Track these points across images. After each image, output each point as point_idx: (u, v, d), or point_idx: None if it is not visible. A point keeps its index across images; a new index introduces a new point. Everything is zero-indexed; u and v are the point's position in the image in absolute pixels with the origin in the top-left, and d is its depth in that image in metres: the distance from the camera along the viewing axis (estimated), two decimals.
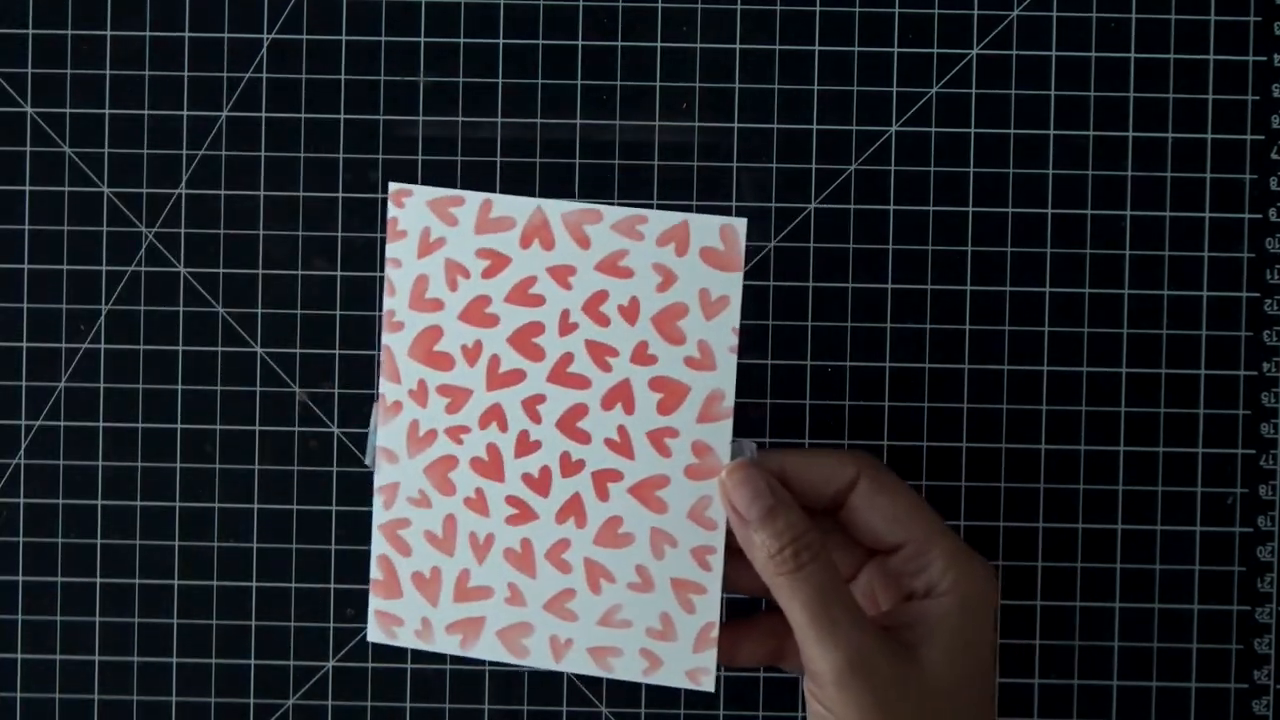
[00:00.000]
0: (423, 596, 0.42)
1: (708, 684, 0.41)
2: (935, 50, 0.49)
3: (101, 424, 0.49)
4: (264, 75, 0.49)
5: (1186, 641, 0.49)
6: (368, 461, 0.42)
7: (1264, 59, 0.49)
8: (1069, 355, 0.49)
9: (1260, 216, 0.49)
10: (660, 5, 0.49)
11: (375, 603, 0.42)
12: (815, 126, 0.49)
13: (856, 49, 0.49)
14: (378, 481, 0.42)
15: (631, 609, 0.41)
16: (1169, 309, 0.49)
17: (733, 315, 0.40)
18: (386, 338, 0.42)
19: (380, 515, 0.42)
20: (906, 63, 0.49)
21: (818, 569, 0.39)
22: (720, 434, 0.41)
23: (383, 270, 0.49)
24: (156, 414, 0.49)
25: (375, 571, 0.42)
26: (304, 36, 0.49)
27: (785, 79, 0.49)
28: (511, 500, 0.42)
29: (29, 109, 0.49)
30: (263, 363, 0.49)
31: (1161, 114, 0.49)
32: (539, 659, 0.42)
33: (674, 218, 0.41)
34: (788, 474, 0.41)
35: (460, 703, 0.49)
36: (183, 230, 0.49)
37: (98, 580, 0.49)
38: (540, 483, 0.41)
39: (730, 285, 0.40)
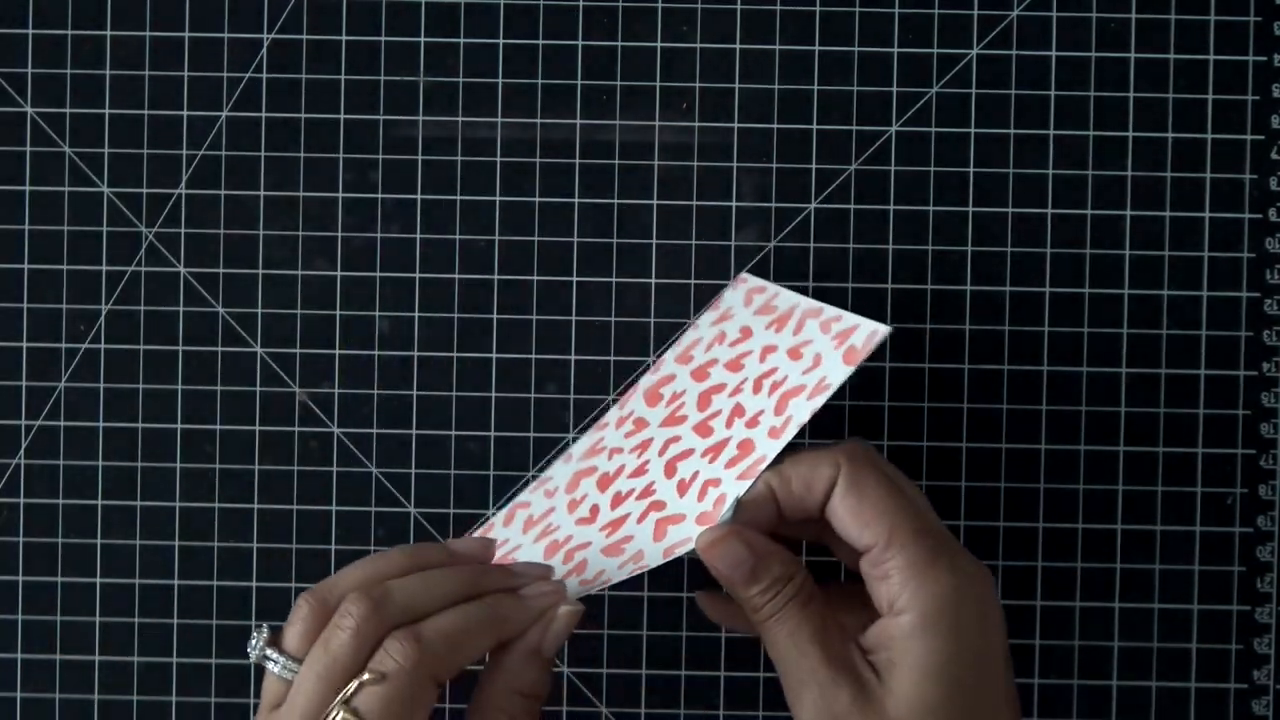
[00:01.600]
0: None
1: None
2: (935, 50, 0.49)
3: (101, 424, 0.49)
4: (264, 75, 0.49)
5: (1186, 641, 0.49)
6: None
7: (1264, 59, 0.49)
8: (1069, 355, 0.49)
9: (1260, 216, 0.49)
10: (660, 5, 0.49)
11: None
12: (815, 126, 0.49)
13: (856, 49, 0.49)
14: (542, 475, 0.48)
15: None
16: (1169, 309, 0.49)
17: (822, 399, 0.41)
18: (643, 377, 0.47)
19: (521, 495, 0.47)
20: (906, 63, 0.49)
21: (793, 613, 0.38)
22: (740, 489, 0.41)
23: (382, 270, 0.49)
24: (156, 414, 0.49)
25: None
26: (304, 36, 0.49)
27: (785, 79, 0.49)
28: (594, 508, 0.44)
29: (29, 109, 0.49)
30: (263, 363, 0.49)
31: (1161, 114, 0.49)
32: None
33: (852, 320, 0.42)
34: (775, 493, 0.40)
35: (460, 702, 0.49)
36: (183, 230, 0.49)
37: (98, 580, 0.49)
38: (618, 500, 0.44)
39: (840, 375, 0.41)
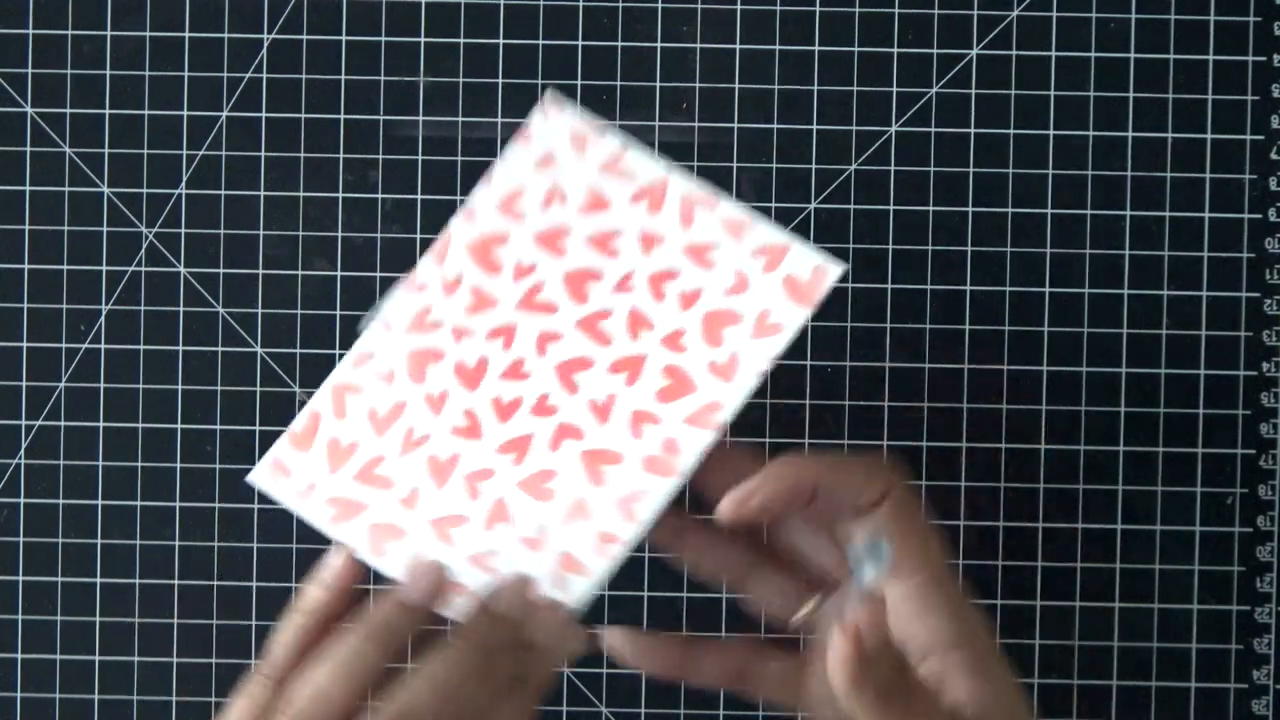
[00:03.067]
0: (327, 462, 0.42)
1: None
2: (935, 50, 0.49)
3: (101, 424, 0.49)
4: (264, 75, 0.49)
5: (1186, 641, 0.49)
6: (360, 327, 0.41)
7: (1264, 59, 0.49)
8: (1069, 355, 0.49)
9: (1260, 216, 0.49)
10: (660, 5, 0.49)
11: (280, 449, 0.42)
12: (815, 126, 0.49)
13: (856, 49, 0.49)
14: (358, 345, 0.42)
15: (507, 561, 0.40)
16: (1169, 309, 0.49)
17: (778, 344, 0.40)
18: (454, 223, 0.42)
19: (339, 373, 0.42)
20: (906, 63, 0.49)
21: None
22: (697, 441, 0.40)
23: (383, 270, 0.49)
24: (156, 414, 0.49)
25: (299, 422, 0.42)
26: (304, 36, 0.49)
27: (785, 79, 0.49)
28: (469, 414, 0.41)
29: (29, 109, 0.49)
30: (263, 363, 0.49)
31: (1161, 114, 0.49)
32: (389, 566, 0.40)
33: (780, 236, 0.41)
34: (819, 487, 0.39)
35: None
36: (183, 230, 0.49)
37: (98, 580, 0.49)
38: (505, 410, 0.41)
39: (793, 317, 0.40)
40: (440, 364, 0.41)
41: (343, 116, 0.49)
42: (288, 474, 0.42)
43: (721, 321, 0.40)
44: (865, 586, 0.37)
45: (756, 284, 0.40)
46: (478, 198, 0.42)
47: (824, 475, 0.39)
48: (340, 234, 0.49)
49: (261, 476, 0.42)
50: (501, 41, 0.49)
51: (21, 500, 0.49)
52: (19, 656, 0.49)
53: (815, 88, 0.49)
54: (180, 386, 0.49)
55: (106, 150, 0.49)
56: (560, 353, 0.41)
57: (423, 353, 0.42)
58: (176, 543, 0.49)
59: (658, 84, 0.49)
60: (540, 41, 0.49)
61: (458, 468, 0.41)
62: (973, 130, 0.49)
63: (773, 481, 0.38)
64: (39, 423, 0.49)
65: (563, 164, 0.42)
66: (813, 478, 0.38)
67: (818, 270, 0.40)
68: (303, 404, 0.49)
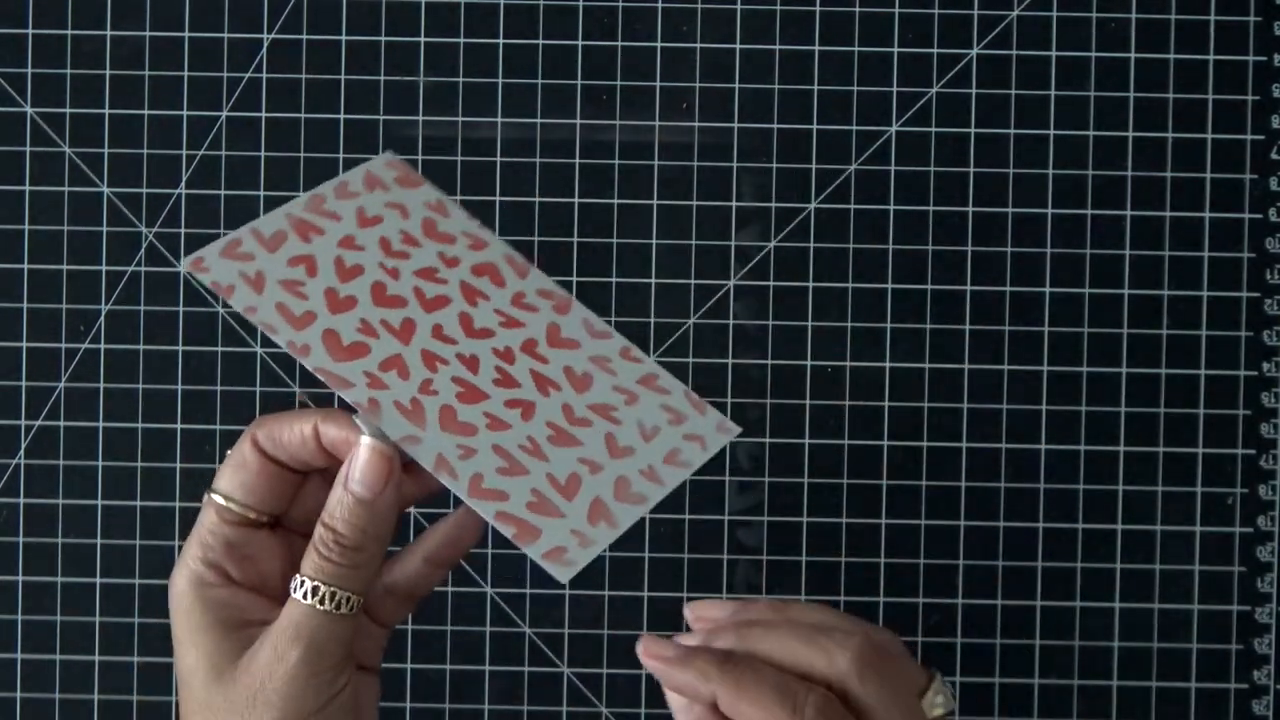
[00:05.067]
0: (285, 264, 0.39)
1: (563, 571, 0.36)
2: (935, 50, 0.49)
3: (101, 424, 0.49)
4: (264, 75, 0.49)
5: (1186, 641, 0.49)
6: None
7: (1264, 59, 0.49)
8: (1069, 355, 0.49)
9: (1260, 216, 0.49)
10: (660, 5, 0.49)
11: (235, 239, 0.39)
12: (815, 126, 0.49)
13: (856, 49, 0.49)
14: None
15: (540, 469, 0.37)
16: (1169, 309, 0.49)
17: (458, 223, 0.40)
18: (309, 364, 0.38)
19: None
20: (906, 63, 0.49)
21: None
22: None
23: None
24: (156, 414, 0.49)
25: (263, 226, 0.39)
26: (304, 36, 0.49)
27: (785, 79, 0.49)
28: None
29: (29, 109, 0.49)
30: (263, 363, 0.49)
31: (1161, 114, 0.49)
32: (392, 424, 0.37)
33: (681, 401, 0.40)
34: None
35: (460, 703, 0.49)
36: (183, 230, 0.49)
37: (98, 580, 0.49)
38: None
39: (418, 200, 0.40)
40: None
41: (343, 116, 0.49)
42: (242, 260, 0.38)
43: (479, 276, 0.40)
44: None
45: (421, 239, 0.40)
46: (286, 338, 0.38)
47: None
48: None
49: (209, 257, 0.38)
50: (501, 41, 0.49)
51: (21, 500, 0.49)
52: (19, 656, 0.49)
53: (815, 88, 0.49)
54: (180, 386, 0.49)
55: (106, 150, 0.49)
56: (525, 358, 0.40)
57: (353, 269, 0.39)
58: (176, 543, 0.49)
59: (658, 84, 0.49)
60: (540, 41, 0.49)
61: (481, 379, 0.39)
62: (973, 130, 0.49)
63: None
64: (39, 423, 0.49)
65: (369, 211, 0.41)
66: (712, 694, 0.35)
67: (721, 427, 0.40)
68: (303, 404, 0.49)
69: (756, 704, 0.34)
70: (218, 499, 0.36)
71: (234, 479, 0.37)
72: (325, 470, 0.37)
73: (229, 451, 0.37)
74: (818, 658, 0.35)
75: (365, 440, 0.36)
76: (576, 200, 0.49)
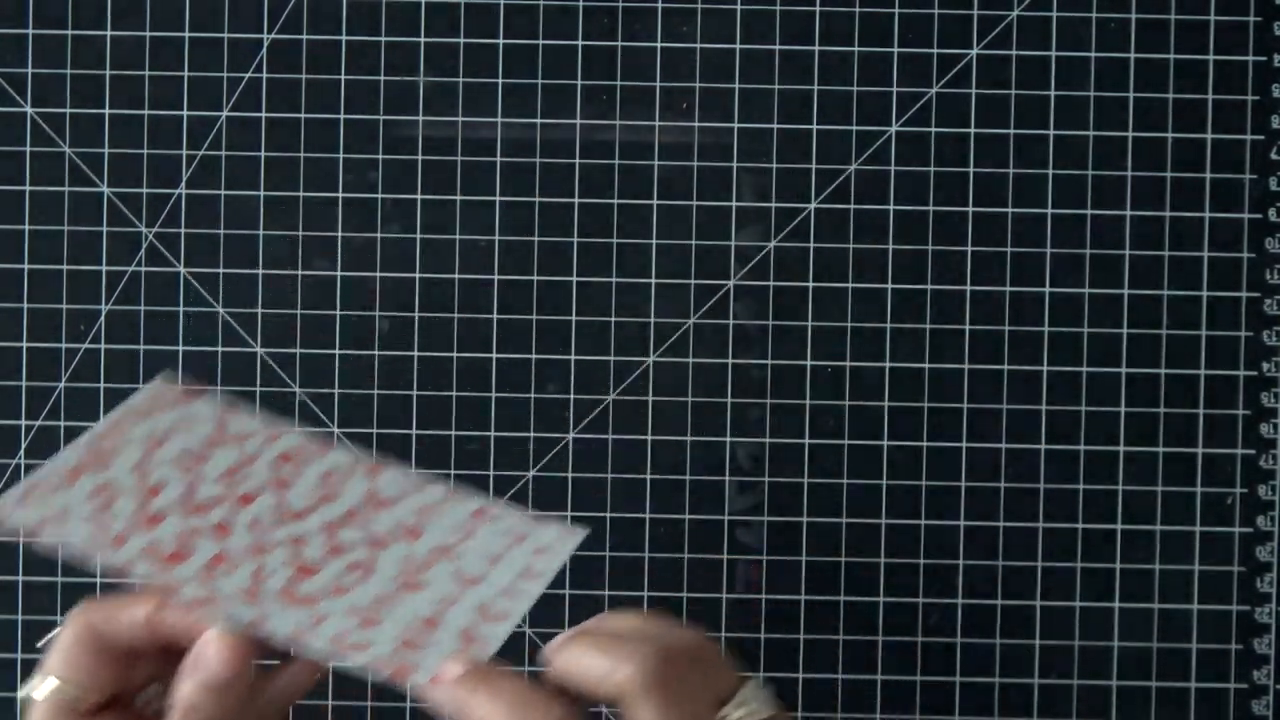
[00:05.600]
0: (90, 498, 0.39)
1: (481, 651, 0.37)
2: (935, 50, 0.49)
3: None
4: (264, 75, 0.49)
5: (1186, 641, 0.49)
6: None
7: (1264, 59, 0.49)
8: (1069, 355, 0.49)
9: (1260, 216, 0.49)
10: (660, 5, 0.49)
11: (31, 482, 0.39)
12: (815, 126, 0.49)
13: (856, 49, 0.49)
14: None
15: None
16: (1169, 309, 0.49)
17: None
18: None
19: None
20: (906, 63, 0.49)
21: None
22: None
23: (382, 270, 0.49)
24: None
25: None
26: (304, 36, 0.49)
27: (785, 79, 0.49)
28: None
29: (29, 109, 0.49)
30: (263, 363, 0.49)
31: (1161, 114, 0.49)
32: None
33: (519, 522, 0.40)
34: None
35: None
36: (183, 230, 0.49)
37: (97, 580, 0.49)
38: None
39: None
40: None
41: (342, 116, 0.49)
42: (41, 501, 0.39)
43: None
44: None
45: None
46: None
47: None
48: (340, 234, 0.49)
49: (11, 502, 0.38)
50: (501, 41, 0.49)
51: None
52: (19, 656, 0.49)
53: (815, 88, 0.49)
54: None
55: (106, 150, 0.49)
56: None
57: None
58: None
59: (658, 84, 0.49)
60: (540, 41, 0.49)
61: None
62: (973, 130, 0.49)
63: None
64: (39, 423, 0.49)
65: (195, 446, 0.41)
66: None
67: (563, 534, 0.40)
68: (304, 404, 0.49)
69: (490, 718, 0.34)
70: (51, 682, 0.36)
71: (63, 663, 0.36)
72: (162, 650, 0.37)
73: (49, 635, 0.37)
74: (604, 669, 0.35)
75: (210, 632, 0.35)
76: (576, 200, 0.49)
